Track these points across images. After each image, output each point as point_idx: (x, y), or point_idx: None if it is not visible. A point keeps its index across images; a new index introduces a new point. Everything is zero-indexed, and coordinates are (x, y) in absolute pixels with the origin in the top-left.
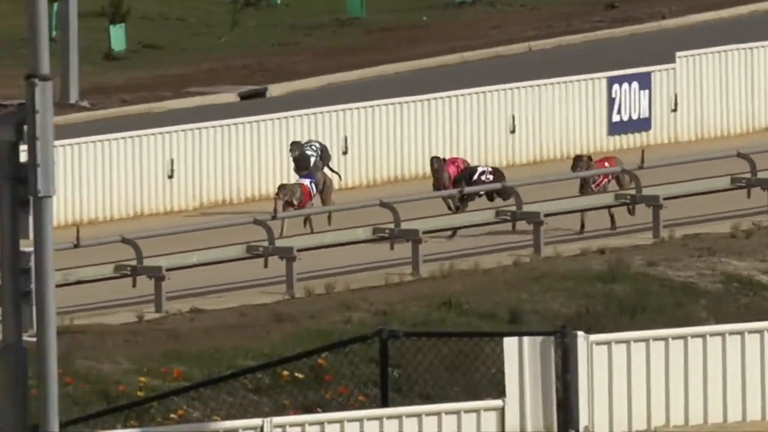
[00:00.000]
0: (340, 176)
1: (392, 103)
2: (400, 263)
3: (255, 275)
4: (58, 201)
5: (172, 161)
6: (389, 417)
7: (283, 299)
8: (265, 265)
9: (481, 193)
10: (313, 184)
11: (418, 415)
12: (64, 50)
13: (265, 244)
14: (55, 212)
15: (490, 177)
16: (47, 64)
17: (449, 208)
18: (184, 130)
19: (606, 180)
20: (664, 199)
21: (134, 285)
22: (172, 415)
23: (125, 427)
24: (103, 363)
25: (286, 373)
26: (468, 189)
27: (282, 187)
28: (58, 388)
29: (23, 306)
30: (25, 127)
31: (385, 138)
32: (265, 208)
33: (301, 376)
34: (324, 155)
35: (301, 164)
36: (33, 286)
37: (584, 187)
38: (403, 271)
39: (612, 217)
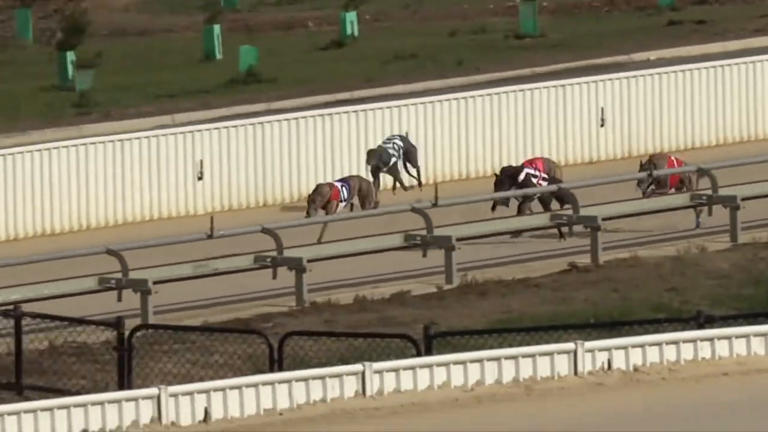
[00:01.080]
0: (420, 182)
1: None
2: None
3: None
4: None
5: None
6: None
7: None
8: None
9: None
10: (345, 189)
11: None
12: None
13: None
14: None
15: (543, 183)
16: None
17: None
18: None
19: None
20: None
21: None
22: None
23: None
24: None
25: None
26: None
27: (316, 191)
28: None
29: None
30: None
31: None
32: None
33: None
34: (408, 154)
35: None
36: None
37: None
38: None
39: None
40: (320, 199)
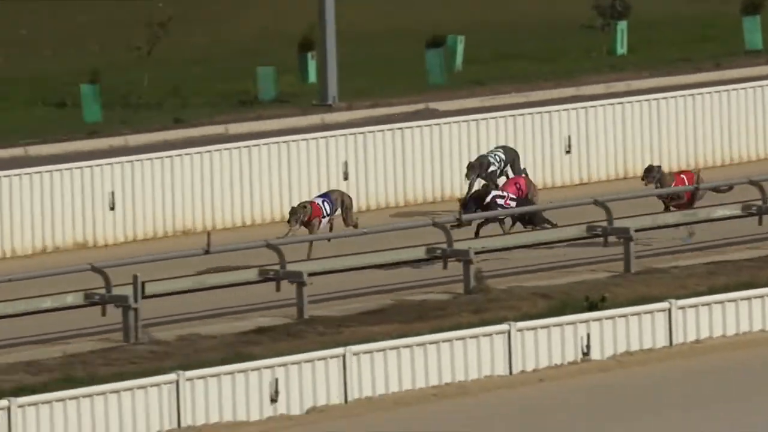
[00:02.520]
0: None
1: None
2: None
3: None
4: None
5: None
6: None
7: None
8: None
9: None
10: (326, 204)
11: None
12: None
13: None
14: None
15: (511, 203)
16: None
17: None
18: None
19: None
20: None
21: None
22: None
23: None
24: None
25: None
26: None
27: (293, 211)
28: None
29: None
30: None
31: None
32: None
33: None
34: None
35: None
36: None
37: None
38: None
39: None
40: (298, 218)
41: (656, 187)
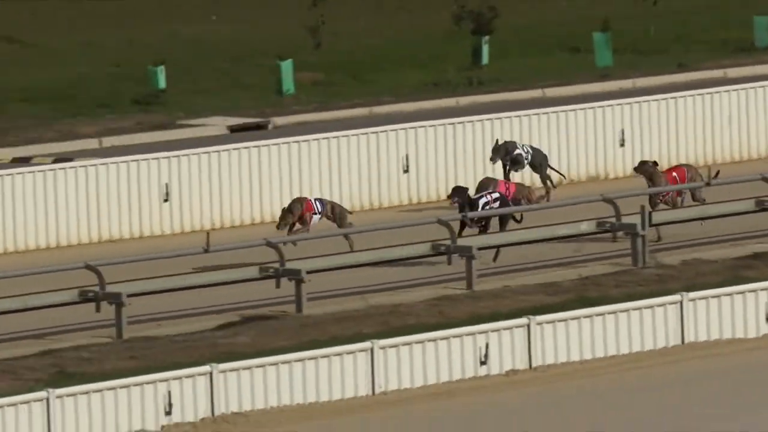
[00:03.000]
0: (563, 176)
1: None
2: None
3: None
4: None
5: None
6: None
7: None
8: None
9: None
10: (318, 204)
11: None
12: None
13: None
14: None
15: (495, 204)
16: None
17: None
18: None
19: (676, 193)
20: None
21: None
22: None
23: None
24: None
25: None
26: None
27: (284, 213)
28: None
29: None
30: None
31: None
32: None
33: None
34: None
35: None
36: None
37: (651, 199)
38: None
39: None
40: (291, 216)
41: (649, 185)
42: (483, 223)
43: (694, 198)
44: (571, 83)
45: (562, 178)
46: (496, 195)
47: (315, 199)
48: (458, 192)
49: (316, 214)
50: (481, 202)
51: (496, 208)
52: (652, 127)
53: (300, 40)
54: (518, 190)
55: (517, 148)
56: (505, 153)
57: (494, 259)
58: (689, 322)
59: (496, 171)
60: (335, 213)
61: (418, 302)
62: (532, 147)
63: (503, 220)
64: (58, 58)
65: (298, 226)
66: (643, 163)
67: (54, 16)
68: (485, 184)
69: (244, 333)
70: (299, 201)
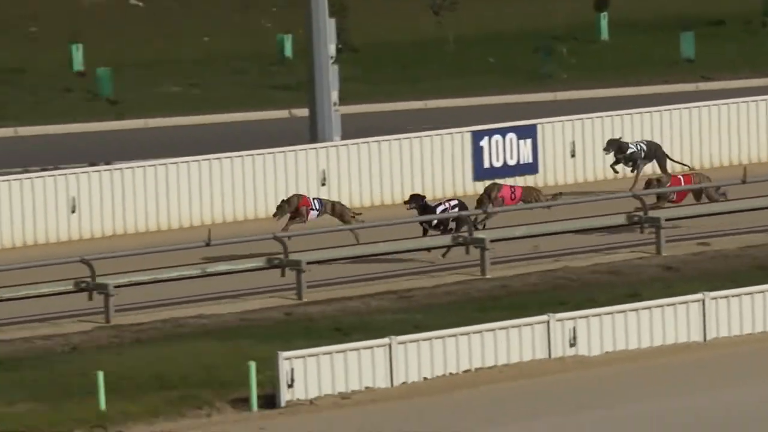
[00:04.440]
0: (690, 167)
1: None
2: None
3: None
4: None
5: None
6: None
7: None
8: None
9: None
10: (317, 201)
11: None
12: None
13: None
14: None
15: (454, 210)
16: None
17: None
18: None
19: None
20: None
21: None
22: None
23: None
24: None
25: None
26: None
27: (287, 200)
28: None
29: None
30: None
31: None
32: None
33: None
34: (653, 152)
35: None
36: None
37: (660, 200)
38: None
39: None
40: (288, 207)
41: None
42: (441, 227)
43: (710, 199)
44: None
45: (686, 167)
46: (454, 202)
47: (314, 198)
48: (414, 199)
49: (313, 210)
50: (439, 209)
51: (455, 213)
52: None
53: None
54: (526, 193)
55: (630, 146)
56: (618, 149)
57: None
58: None
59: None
60: (335, 210)
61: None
62: (646, 142)
63: (458, 225)
64: None
65: (296, 218)
66: (649, 181)
67: None
68: (489, 189)
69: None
70: (297, 196)
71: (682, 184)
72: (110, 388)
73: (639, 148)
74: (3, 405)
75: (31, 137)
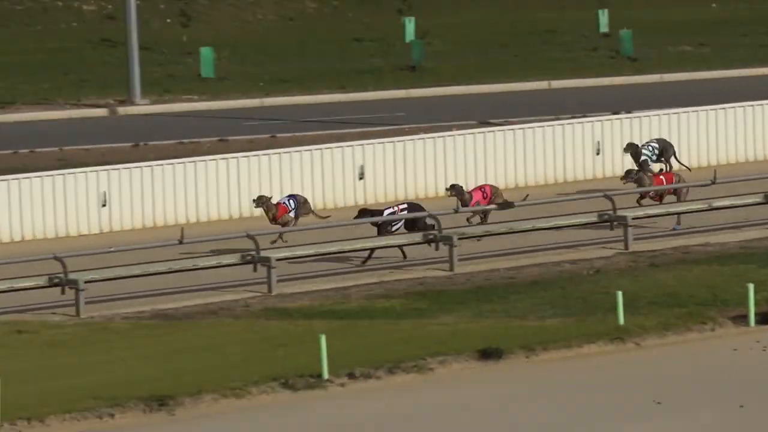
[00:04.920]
0: (689, 168)
1: None
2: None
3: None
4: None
5: None
6: None
7: None
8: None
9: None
10: (291, 202)
11: None
12: None
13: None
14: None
15: (402, 213)
16: None
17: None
18: None
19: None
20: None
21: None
22: None
23: None
24: None
25: None
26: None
27: (259, 199)
28: None
29: None
30: None
31: None
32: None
33: None
34: (664, 152)
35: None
36: None
37: (642, 198)
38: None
39: None
40: (267, 206)
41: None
42: (389, 228)
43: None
44: None
45: (687, 169)
46: (403, 206)
47: (288, 199)
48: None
49: (290, 211)
50: (387, 212)
51: (404, 215)
52: None
53: None
54: (494, 192)
55: (643, 154)
56: (634, 152)
57: (363, 262)
58: None
59: None
60: (298, 204)
61: None
62: (657, 140)
63: (410, 226)
64: None
65: (287, 224)
66: (629, 171)
67: None
68: (459, 190)
69: None
70: (274, 205)
71: (663, 181)
72: (627, 305)
73: (651, 149)
74: (536, 320)
75: (561, 89)
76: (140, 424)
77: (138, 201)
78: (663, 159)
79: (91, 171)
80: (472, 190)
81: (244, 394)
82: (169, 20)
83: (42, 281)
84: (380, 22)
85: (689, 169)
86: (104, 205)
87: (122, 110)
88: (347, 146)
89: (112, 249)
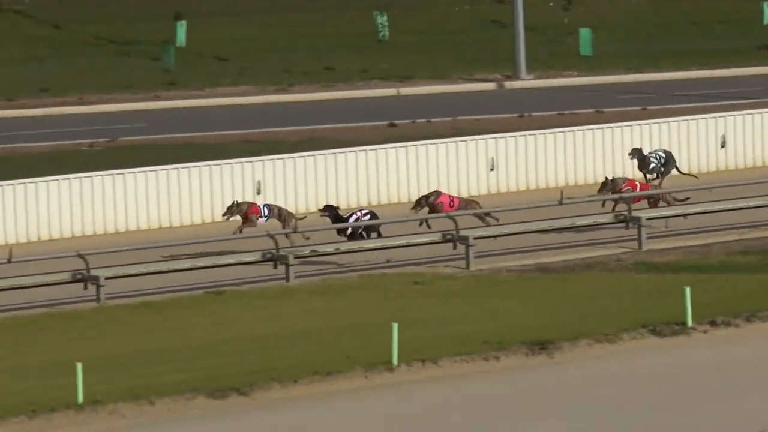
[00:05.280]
0: (696, 177)
1: None
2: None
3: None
4: None
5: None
6: None
7: None
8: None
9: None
10: (266, 208)
11: None
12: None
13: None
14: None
15: (366, 217)
16: None
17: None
18: None
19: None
20: None
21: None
22: None
23: None
24: None
25: None
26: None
27: (232, 206)
28: None
29: None
30: None
31: None
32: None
33: None
34: (668, 162)
35: (642, 166)
36: None
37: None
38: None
39: None
40: (238, 211)
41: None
42: (346, 233)
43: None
44: None
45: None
46: (365, 211)
47: (263, 205)
48: (328, 208)
49: (261, 216)
50: (352, 219)
51: (366, 220)
52: None
53: None
54: (463, 202)
55: (652, 161)
56: (641, 158)
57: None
58: None
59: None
60: (282, 215)
61: None
62: (665, 151)
63: (368, 232)
64: None
65: (245, 223)
66: (604, 183)
67: None
68: (429, 194)
69: None
70: (247, 203)
71: (637, 184)
72: None
73: (658, 158)
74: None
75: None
76: (523, 365)
77: (522, 166)
78: (663, 170)
79: (480, 139)
80: None
81: (616, 340)
82: (551, 4)
83: (436, 237)
84: (740, 5)
85: (696, 177)
86: (492, 170)
87: (509, 84)
88: (710, 118)
89: (499, 209)
